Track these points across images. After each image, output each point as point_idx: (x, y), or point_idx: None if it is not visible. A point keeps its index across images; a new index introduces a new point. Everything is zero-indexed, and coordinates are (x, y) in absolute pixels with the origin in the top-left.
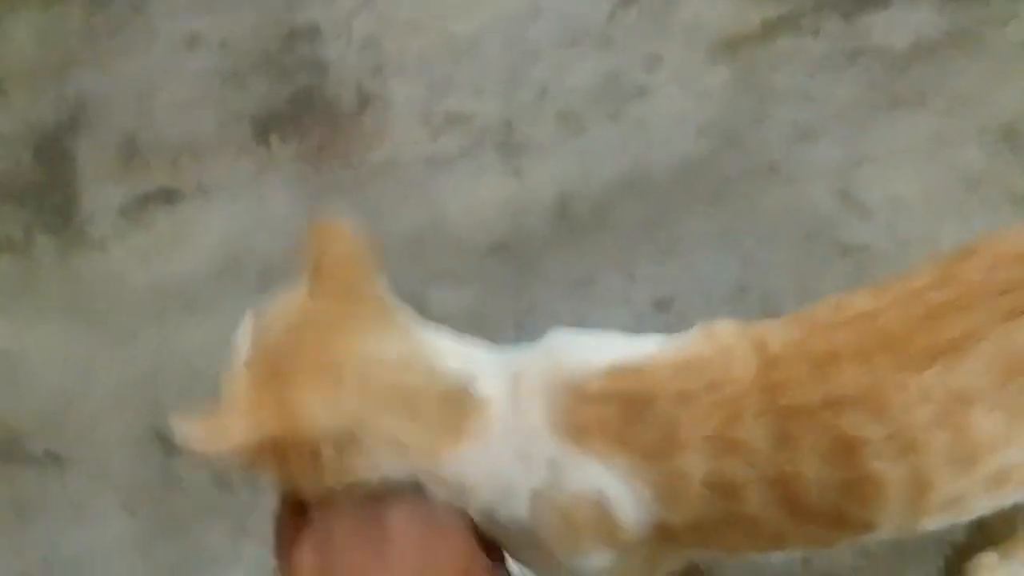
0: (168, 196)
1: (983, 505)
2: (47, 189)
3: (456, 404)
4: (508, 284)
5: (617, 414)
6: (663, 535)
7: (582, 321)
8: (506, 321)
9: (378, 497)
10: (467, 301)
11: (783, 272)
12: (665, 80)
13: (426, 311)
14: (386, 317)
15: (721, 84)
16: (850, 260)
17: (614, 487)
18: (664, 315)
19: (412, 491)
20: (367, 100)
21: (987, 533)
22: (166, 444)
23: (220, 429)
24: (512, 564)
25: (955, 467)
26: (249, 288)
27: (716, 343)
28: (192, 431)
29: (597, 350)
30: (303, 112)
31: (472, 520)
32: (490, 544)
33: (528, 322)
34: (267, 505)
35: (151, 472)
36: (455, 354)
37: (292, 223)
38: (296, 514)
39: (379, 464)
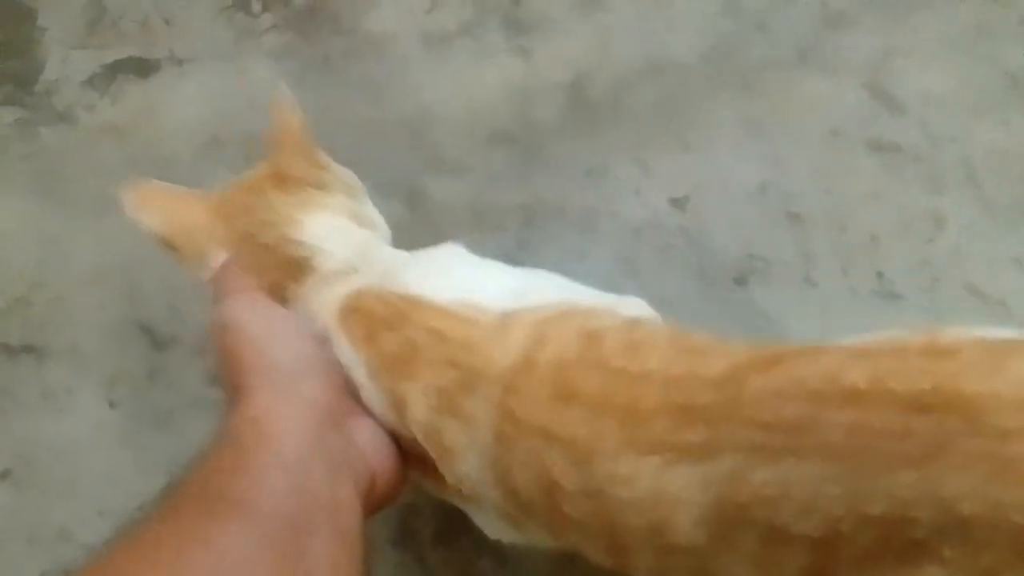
0: (140, 66)
1: None
2: (6, 54)
3: (293, 267)
4: (512, 174)
5: (382, 315)
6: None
7: (591, 216)
8: (510, 214)
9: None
10: (468, 192)
11: (808, 170)
12: None
13: (425, 200)
14: (299, 184)
15: None
16: (879, 158)
17: (359, 375)
18: (679, 213)
19: None
20: None
21: None
22: (149, 336)
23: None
24: None
25: (649, 552)
26: (232, 167)
27: (508, 320)
28: (127, 198)
29: (432, 280)
30: None
31: None
32: None
33: (534, 215)
34: None
35: (133, 363)
36: (333, 233)
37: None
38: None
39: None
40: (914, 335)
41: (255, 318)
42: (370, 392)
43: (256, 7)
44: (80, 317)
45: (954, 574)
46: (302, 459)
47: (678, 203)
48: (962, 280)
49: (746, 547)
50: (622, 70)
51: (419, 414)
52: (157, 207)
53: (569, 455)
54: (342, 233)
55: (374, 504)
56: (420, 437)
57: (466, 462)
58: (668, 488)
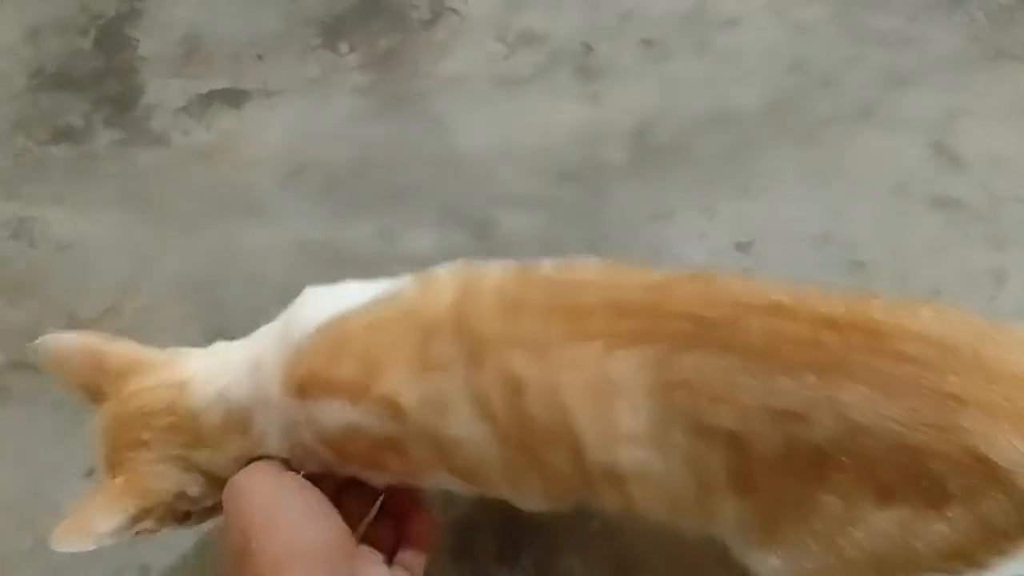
0: (232, 96)
1: (643, 503)
2: (107, 79)
3: (230, 424)
4: (581, 212)
5: (324, 359)
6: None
7: (656, 256)
8: (578, 249)
9: None
10: (538, 227)
11: (870, 223)
12: (757, 11)
13: (495, 235)
14: (141, 376)
15: (816, 20)
16: (941, 215)
17: (355, 416)
18: (744, 256)
19: None
20: (439, 10)
21: None
22: None
23: (86, 522)
24: None
25: (599, 442)
26: (312, 194)
27: (424, 278)
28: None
29: (324, 306)
30: (372, 18)
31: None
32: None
33: (600, 252)
34: None
35: None
36: (206, 377)
37: (357, 132)
38: None
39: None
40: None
41: (263, 485)
42: (372, 422)
43: (343, 47)
44: (166, 327)
45: (855, 489)
46: None
47: (743, 247)
48: None
49: (677, 441)
50: (687, 118)
51: (411, 393)
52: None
53: (528, 351)
54: (208, 368)
55: None
56: (424, 418)
57: (459, 414)
58: (610, 372)
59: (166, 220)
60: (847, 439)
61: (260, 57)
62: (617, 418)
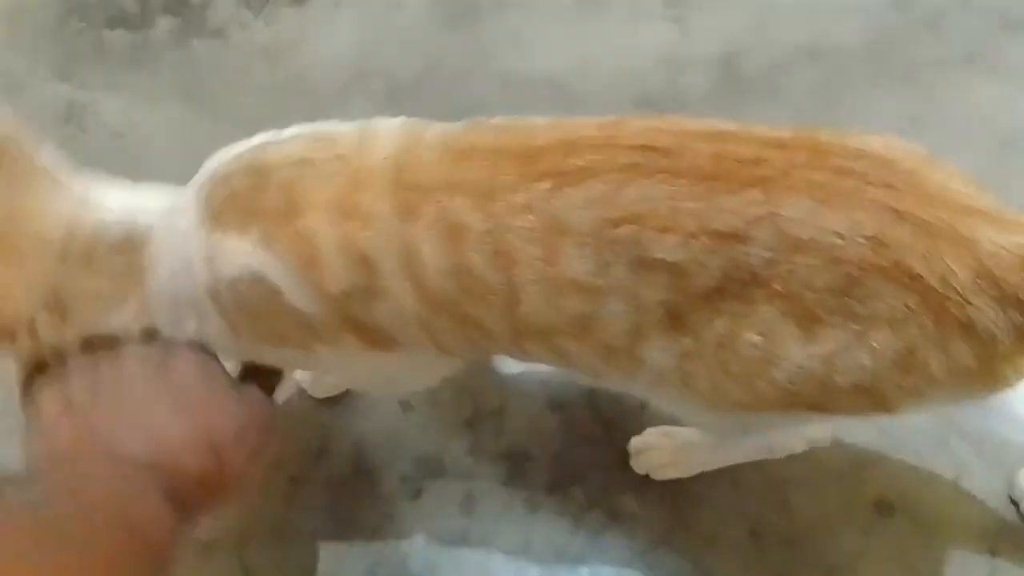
0: None
1: (578, 356)
2: None
3: (126, 247)
4: None
5: (244, 186)
6: (333, 314)
7: None
8: None
9: (115, 346)
10: None
11: (974, 174)
12: None
13: None
14: (44, 182)
15: None
16: None
17: (261, 262)
18: None
19: (147, 338)
20: None
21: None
22: None
23: None
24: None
25: (541, 292)
26: (376, 104)
27: (363, 129)
28: None
29: (242, 145)
30: None
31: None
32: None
33: None
34: None
35: None
36: (115, 201)
37: (426, 40)
38: (39, 371)
39: (97, 320)
40: None
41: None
42: (276, 273)
43: None
44: None
45: (780, 324)
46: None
47: None
48: None
49: (619, 277)
50: (779, 49)
51: (328, 241)
52: None
53: (473, 196)
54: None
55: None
56: (340, 266)
57: (383, 268)
58: (556, 212)
59: (223, 117)
60: (783, 257)
61: None
62: (564, 260)
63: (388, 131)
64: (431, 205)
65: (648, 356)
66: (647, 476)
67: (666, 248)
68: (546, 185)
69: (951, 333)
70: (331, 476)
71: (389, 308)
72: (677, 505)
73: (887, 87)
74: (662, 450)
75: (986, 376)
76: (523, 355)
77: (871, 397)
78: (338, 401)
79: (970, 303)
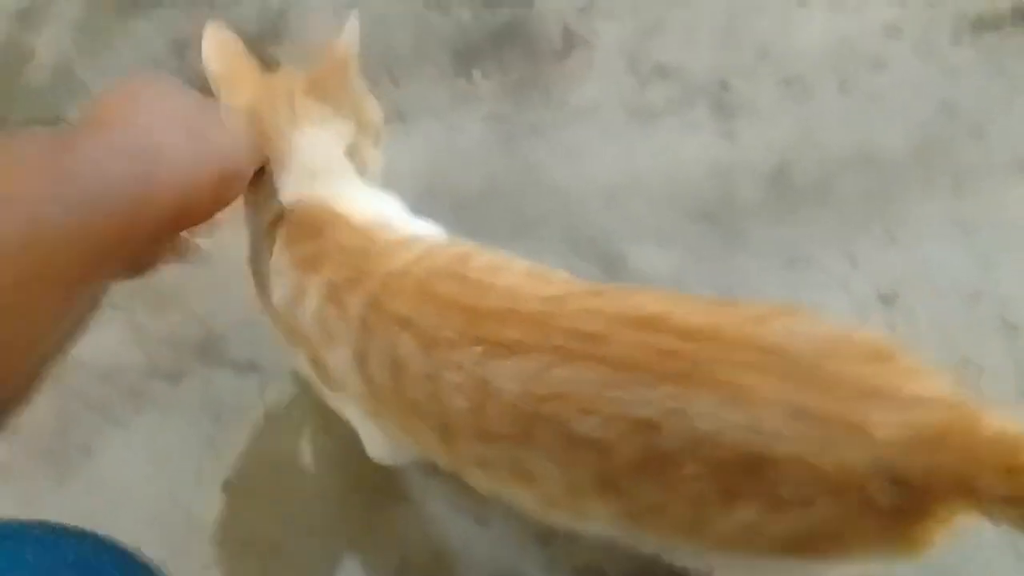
0: None
1: (522, 498)
2: None
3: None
4: (715, 253)
5: (301, 223)
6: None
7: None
8: (709, 292)
9: None
10: (668, 266)
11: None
12: (905, 52)
13: (623, 270)
14: (322, 98)
15: (967, 64)
16: None
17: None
18: (888, 309)
19: None
20: (572, 40)
21: None
22: None
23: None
24: None
25: (471, 433)
26: (440, 219)
27: (415, 230)
28: (207, 39)
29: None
30: (505, 46)
31: None
32: None
33: (733, 297)
34: None
35: None
36: (316, 148)
37: (487, 159)
38: None
39: None
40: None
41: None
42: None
43: (476, 75)
44: None
45: (703, 494)
46: None
47: (887, 300)
48: None
49: (545, 443)
50: (829, 158)
51: (312, 304)
52: (223, 58)
53: (418, 340)
54: (324, 151)
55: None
56: (312, 322)
57: (339, 350)
58: (486, 376)
59: None
60: (694, 447)
61: (395, 83)
62: (489, 417)
63: (421, 240)
64: (384, 331)
65: (589, 510)
66: None
67: (589, 427)
68: (479, 350)
69: (853, 512)
70: None
71: (338, 367)
72: None
73: (936, 193)
74: None
75: (899, 543)
76: (467, 479)
77: (807, 551)
78: (415, 513)
79: (866, 487)
